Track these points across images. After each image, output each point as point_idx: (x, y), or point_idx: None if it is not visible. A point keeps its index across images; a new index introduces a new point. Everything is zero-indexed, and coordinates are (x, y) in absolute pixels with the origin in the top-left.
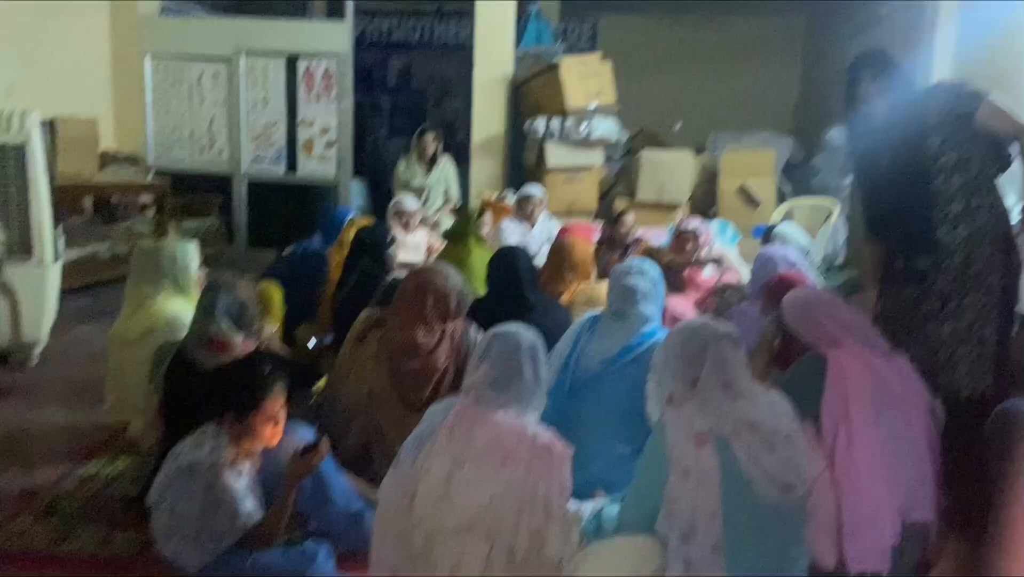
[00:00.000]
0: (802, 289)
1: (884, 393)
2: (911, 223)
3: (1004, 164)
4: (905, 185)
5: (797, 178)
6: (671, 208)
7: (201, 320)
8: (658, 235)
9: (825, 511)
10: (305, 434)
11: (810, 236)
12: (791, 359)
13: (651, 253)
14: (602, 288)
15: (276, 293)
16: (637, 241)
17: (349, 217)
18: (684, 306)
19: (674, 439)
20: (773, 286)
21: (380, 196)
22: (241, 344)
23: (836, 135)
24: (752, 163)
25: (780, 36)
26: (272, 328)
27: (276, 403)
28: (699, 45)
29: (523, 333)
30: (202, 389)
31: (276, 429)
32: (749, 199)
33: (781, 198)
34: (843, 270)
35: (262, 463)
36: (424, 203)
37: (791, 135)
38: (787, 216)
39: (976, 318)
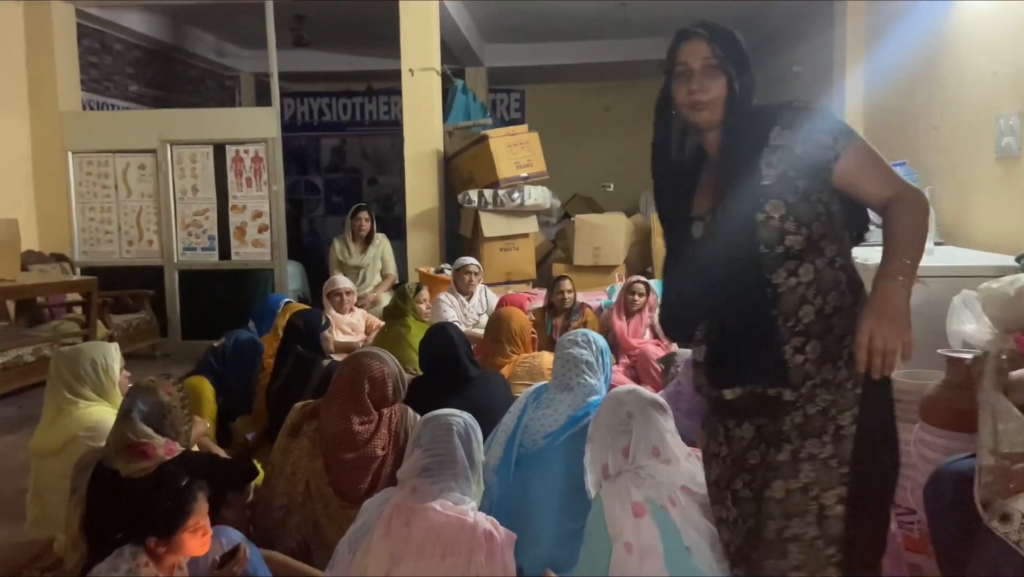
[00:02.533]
0: None
1: None
2: (722, 328)
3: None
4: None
5: None
6: (608, 270)
7: (120, 426)
8: (597, 297)
9: None
10: (233, 537)
11: None
12: None
13: (594, 319)
14: (544, 358)
15: (206, 388)
16: (581, 307)
17: (283, 303)
18: (618, 374)
19: (612, 512)
20: None
21: (319, 277)
22: (164, 448)
23: None
24: None
25: None
26: (204, 425)
27: (200, 515)
28: (624, 109)
29: (455, 416)
30: (124, 503)
31: (204, 539)
32: None
33: None
34: None
35: (190, 570)
36: (360, 282)
37: None
38: None
39: (815, 480)
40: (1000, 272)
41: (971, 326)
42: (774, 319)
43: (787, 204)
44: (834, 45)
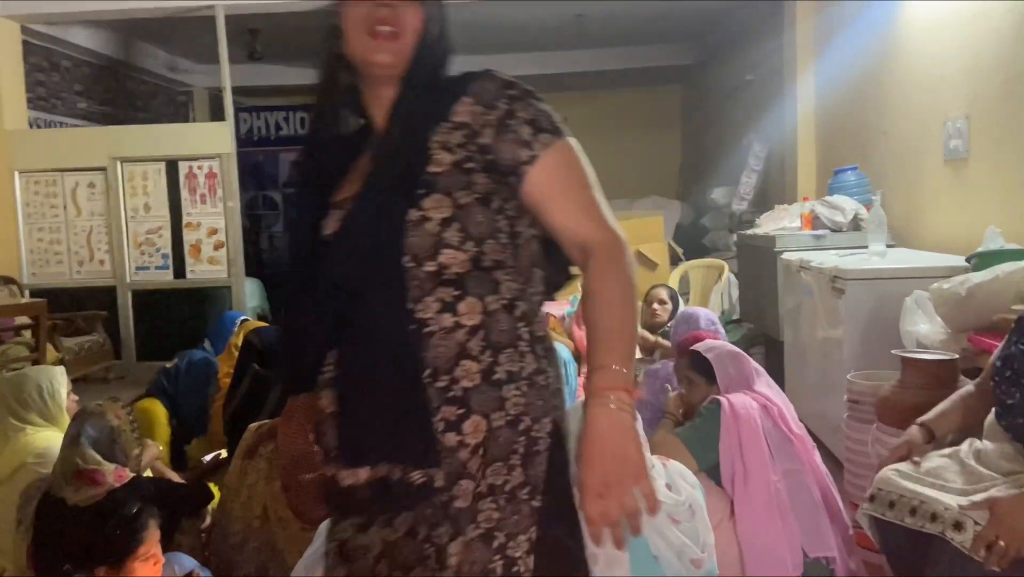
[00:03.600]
0: (717, 342)
1: (777, 433)
2: (350, 375)
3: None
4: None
5: (688, 239)
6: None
7: (67, 453)
8: (560, 307)
9: (731, 560)
10: (186, 565)
11: (706, 294)
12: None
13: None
14: None
15: (159, 411)
16: (545, 316)
17: (239, 320)
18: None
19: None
20: (688, 343)
21: (279, 295)
22: (114, 474)
23: (720, 194)
24: (643, 229)
25: (657, 105)
26: (157, 449)
27: (151, 543)
28: (582, 119)
29: None
30: (72, 532)
31: (155, 568)
32: (648, 262)
33: (676, 260)
34: (740, 325)
35: None
36: None
37: (678, 198)
38: (683, 277)
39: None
40: (951, 272)
41: (924, 326)
42: (417, 372)
43: (455, 205)
44: (784, 51)
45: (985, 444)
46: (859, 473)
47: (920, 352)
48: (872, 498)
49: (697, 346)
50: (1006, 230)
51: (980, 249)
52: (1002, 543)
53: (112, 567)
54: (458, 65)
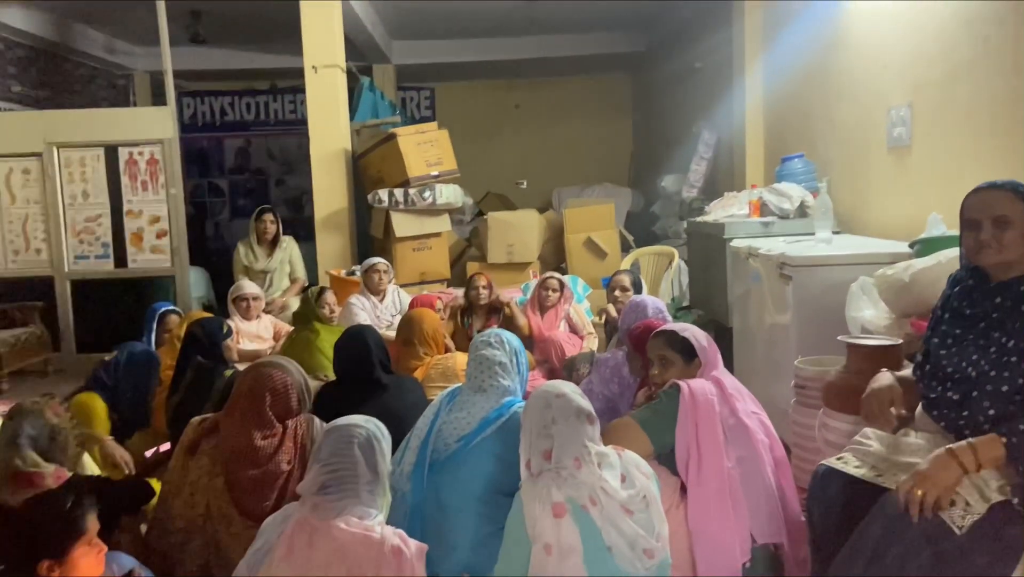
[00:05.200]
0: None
1: (730, 419)
2: None
3: None
4: None
5: (639, 226)
6: (522, 267)
7: (5, 454)
8: (512, 294)
9: (681, 545)
10: (125, 564)
11: (657, 281)
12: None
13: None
14: (457, 359)
15: (98, 404)
16: (502, 301)
17: (161, 310)
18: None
19: (532, 513)
20: (639, 332)
21: (225, 284)
22: (53, 476)
23: (670, 182)
24: (594, 216)
25: (608, 92)
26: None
27: (91, 534)
28: (534, 107)
29: (357, 427)
30: (8, 532)
31: (100, 556)
32: (598, 250)
33: (627, 248)
34: (690, 312)
35: None
36: (268, 287)
37: (629, 186)
38: (634, 264)
39: None
40: (895, 259)
41: (869, 312)
42: None
43: None
44: (733, 40)
45: (918, 436)
46: (806, 457)
47: (864, 337)
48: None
49: (668, 327)
50: (948, 216)
51: (923, 235)
52: (919, 492)
53: (56, 558)
54: (406, 52)
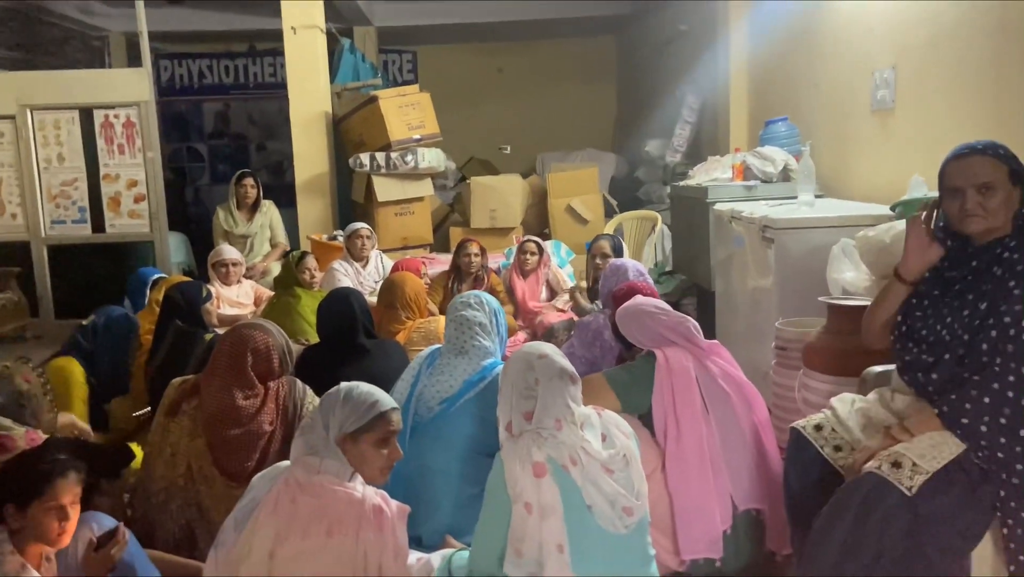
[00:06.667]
0: (633, 300)
1: (710, 387)
2: None
3: None
4: None
5: (623, 191)
6: (505, 232)
7: None
8: (495, 260)
9: (663, 510)
10: (105, 524)
11: (640, 246)
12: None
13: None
14: (439, 322)
15: (75, 369)
16: (488, 270)
17: (154, 277)
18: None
19: (513, 473)
20: (621, 295)
21: (205, 249)
22: (25, 438)
23: (654, 147)
24: (578, 181)
25: (592, 56)
26: (69, 418)
27: (65, 491)
28: (517, 70)
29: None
30: None
31: (63, 526)
32: (578, 217)
33: (610, 213)
34: (673, 276)
35: (60, 568)
36: (248, 252)
37: (613, 150)
38: (617, 229)
39: None
40: (877, 221)
41: (850, 274)
42: None
43: None
44: (717, 2)
45: (896, 398)
46: (786, 418)
47: (845, 299)
48: (819, 428)
49: (618, 314)
50: (930, 179)
51: (904, 197)
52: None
53: (19, 506)
54: (388, 13)
